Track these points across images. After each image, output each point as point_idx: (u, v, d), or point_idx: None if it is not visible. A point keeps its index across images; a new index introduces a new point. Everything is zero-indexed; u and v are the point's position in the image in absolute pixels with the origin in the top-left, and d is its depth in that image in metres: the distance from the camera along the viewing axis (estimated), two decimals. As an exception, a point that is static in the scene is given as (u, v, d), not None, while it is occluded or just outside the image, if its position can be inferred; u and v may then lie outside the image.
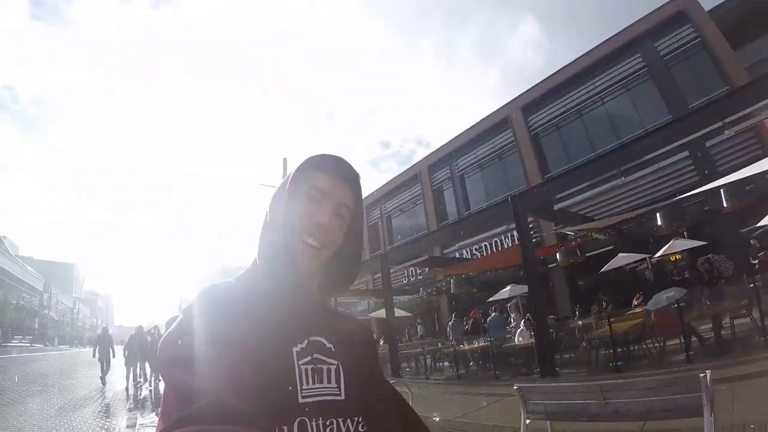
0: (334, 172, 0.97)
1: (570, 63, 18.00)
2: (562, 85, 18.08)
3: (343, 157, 0.98)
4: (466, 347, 12.33)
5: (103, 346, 14.81)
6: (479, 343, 11.90)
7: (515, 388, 4.73)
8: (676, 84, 14.73)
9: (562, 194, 11.84)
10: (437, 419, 6.94)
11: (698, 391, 3.50)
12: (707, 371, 3.93)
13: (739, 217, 11.46)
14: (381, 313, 17.33)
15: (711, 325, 8.57)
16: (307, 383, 0.83)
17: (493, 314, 13.27)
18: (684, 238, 12.21)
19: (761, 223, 9.68)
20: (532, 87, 19.42)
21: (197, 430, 0.60)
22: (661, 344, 8.90)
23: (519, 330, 10.59)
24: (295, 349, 0.85)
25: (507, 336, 11.68)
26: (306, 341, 0.87)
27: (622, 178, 10.25)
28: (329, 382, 0.87)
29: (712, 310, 8.63)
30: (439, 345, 14.35)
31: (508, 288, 14.54)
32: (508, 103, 20.48)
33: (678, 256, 12.98)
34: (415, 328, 21.79)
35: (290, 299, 0.90)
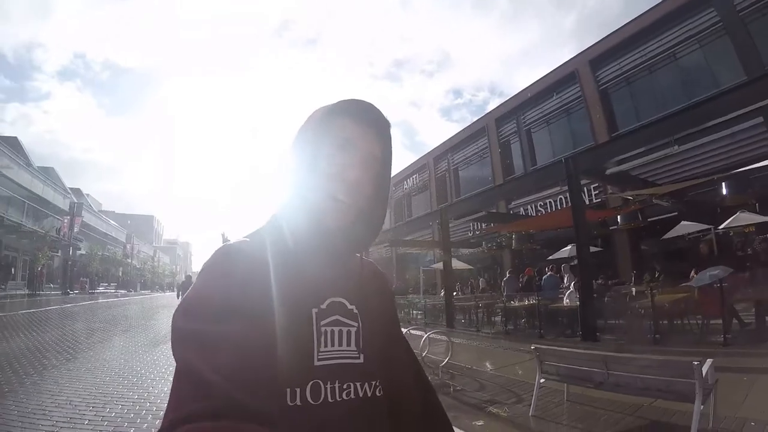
0: (363, 119, 0.92)
1: (640, 15, 16.82)
2: (631, 39, 17.00)
3: (373, 103, 0.92)
4: (516, 304, 12.69)
5: (186, 290, 16.55)
6: (529, 301, 12.23)
7: (532, 348, 5.23)
8: (753, 42, 13.48)
9: (625, 156, 11.54)
10: (470, 368, 7.62)
11: (691, 378, 3.70)
12: (709, 360, 4.17)
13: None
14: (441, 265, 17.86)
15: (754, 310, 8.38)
16: (325, 345, 0.83)
17: (548, 273, 13.51)
18: (756, 211, 11.53)
19: None
20: (601, 40, 18.42)
21: (212, 426, 0.59)
22: (703, 323, 8.84)
23: (568, 292, 10.82)
24: (314, 311, 0.84)
25: (560, 296, 11.79)
26: (327, 302, 0.87)
27: (676, 147, 9.73)
28: (348, 344, 0.86)
29: (756, 295, 8.38)
30: (498, 300, 14.61)
31: (568, 247, 14.53)
32: (575, 57, 19.65)
33: (752, 229, 12.28)
34: (478, 281, 22.22)
35: (313, 258, 0.88)
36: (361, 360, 0.87)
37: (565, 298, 10.79)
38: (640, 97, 17.08)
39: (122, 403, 5.38)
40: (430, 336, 8.27)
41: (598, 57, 18.43)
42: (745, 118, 10.77)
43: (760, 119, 11.42)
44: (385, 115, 0.93)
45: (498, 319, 13.67)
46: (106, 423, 4.63)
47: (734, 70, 13.72)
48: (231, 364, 0.65)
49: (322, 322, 0.84)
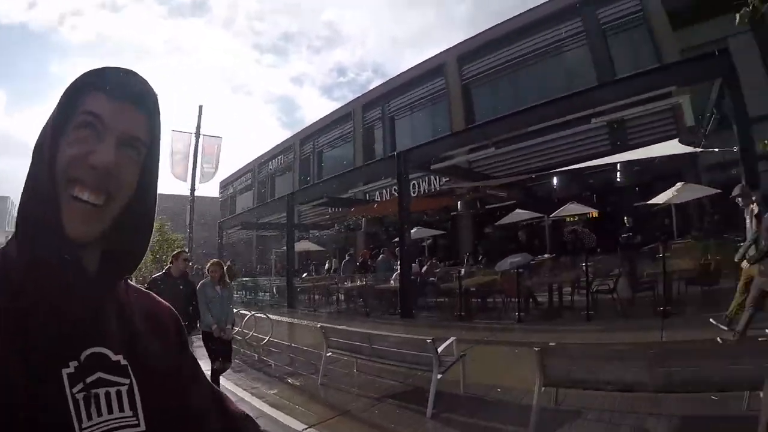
0: (118, 91, 0.66)
1: (510, 18, 17.76)
2: (498, 40, 17.83)
3: (134, 70, 0.69)
4: (349, 285, 13.21)
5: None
6: (361, 282, 12.77)
7: (318, 326, 5.83)
8: (609, 54, 14.65)
9: (471, 147, 12.17)
10: (288, 345, 8.19)
11: (429, 352, 4.32)
12: (452, 337, 5.06)
13: (642, 191, 11.82)
14: (299, 245, 18.90)
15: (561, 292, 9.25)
16: (89, 418, 0.61)
17: (381, 256, 13.98)
18: (592, 203, 13.12)
19: (654, 201, 10.32)
20: (469, 38, 19.30)
21: None
22: (505, 302, 9.70)
23: (395, 273, 11.33)
24: (65, 371, 0.60)
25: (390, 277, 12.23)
26: (82, 357, 0.63)
27: (493, 149, 10.76)
28: (121, 410, 0.65)
29: (551, 278, 9.43)
30: (334, 282, 15.07)
31: (414, 230, 15.22)
32: (445, 51, 20.36)
33: (595, 214, 13.93)
34: (331, 262, 22.47)
35: (55, 292, 0.62)
36: (143, 427, 0.67)
37: (392, 280, 11.38)
38: (501, 94, 17.91)
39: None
40: (255, 315, 8.83)
41: (466, 53, 19.14)
42: (584, 121, 11.41)
43: (603, 122, 12.11)
44: (150, 84, 0.70)
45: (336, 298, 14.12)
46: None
47: (588, 77, 14.42)
48: None
49: (77, 387, 0.60)
